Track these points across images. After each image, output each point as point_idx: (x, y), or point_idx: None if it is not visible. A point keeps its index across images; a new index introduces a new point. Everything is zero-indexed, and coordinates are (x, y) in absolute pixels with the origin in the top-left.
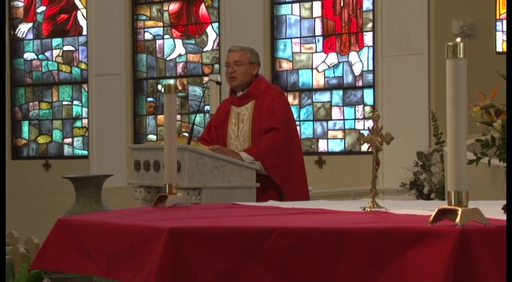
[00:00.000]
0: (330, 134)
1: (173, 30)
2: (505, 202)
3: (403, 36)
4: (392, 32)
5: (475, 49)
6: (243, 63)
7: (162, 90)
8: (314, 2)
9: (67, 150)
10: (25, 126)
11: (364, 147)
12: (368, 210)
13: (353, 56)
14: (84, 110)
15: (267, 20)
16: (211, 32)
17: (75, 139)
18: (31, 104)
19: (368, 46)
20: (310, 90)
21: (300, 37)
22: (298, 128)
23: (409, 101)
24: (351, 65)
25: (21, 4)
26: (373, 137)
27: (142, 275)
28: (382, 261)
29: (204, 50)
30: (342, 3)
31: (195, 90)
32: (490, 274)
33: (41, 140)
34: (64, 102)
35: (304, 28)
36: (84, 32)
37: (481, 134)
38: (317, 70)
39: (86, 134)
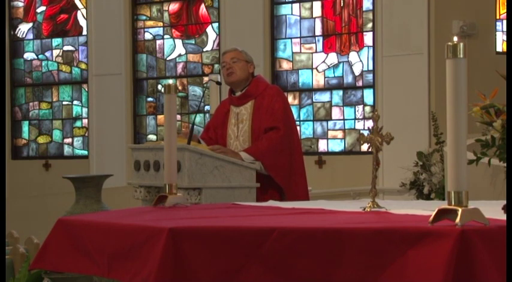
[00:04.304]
0: (330, 134)
1: (173, 30)
2: (505, 202)
3: (403, 36)
4: (392, 32)
5: (475, 49)
6: (239, 59)
7: (162, 90)
8: (314, 2)
9: (67, 150)
10: (25, 126)
11: (364, 147)
12: (368, 210)
13: (353, 56)
14: (84, 110)
15: (267, 20)
16: (211, 32)
17: (75, 139)
18: (31, 104)
19: (368, 46)
20: (310, 90)
21: (300, 37)
22: (298, 128)
23: (409, 101)
24: (351, 65)
25: (21, 4)
26: (373, 137)
27: (142, 275)
28: (382, 261)
29: (204, 50)
30: (342, 3)
31: (195, 90)
32: (490, 274)
33: (41, 140)
34: (64, 102)
35: (304, 28)
36: (84, 32)
37: (481, 134)
38: (317, 70)
39: (86, 134)
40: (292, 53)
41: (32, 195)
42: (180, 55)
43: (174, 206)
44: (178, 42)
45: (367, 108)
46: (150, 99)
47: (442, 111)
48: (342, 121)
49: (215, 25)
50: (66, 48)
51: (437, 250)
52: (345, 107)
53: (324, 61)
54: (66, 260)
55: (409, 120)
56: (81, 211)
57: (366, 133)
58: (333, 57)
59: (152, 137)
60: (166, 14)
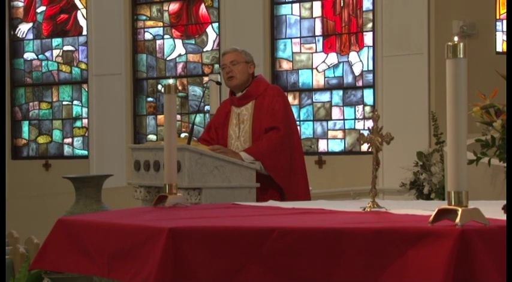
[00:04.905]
0: (330, 134)
1: (173, 30)
2: (505, 202)
3: (403, 36)
4: (392, 32)
5: (475, 49)
6: (239, 62)
7: (162, 90)
8: (314, 2)
9: (67, 150)
10: (25, 126)
11: (364, 147)
12: (368, 210)
13: (353, 56)
14: (84, 110)
15: (267, 20)
16: (211, 32)
17: (75, 139)
18: (31, 104)
19: (368, 46)
20: (310, 90)
21: (300, 37)
22: (298, 127)
23: (409, 101)
24: (351, 65)
25: (21, 4)
26: (373, 137)
27: (142, 275)
28: (382, 261)
29: (204, 50)
30: (342, 3)
31: (195, 90)
32: (490, 274)
33: (41, 140)
34: (64, 102)
35: (304, 28)
36: (84, 32)
37: (481, 134)
38: (317, 70)
39: (86, 134)
40: (292, 53)
41: (32, 195)
42: (180, 55)
43: (174, 206)
44: (178, 42)
45: (367, 108)
46: (150, 99)
47: (442, 111)
48: (342, 121)
49: (215, 25)
50: (66, 48)
51: (437, 250)
52: (345, 107)
53: (324, 61)
54: (66, 260)
55: (409, 120)
56: (81, 211)
57: (366, 133)
58: (333, 57)
59: (152, 137)
60: (166, 14)
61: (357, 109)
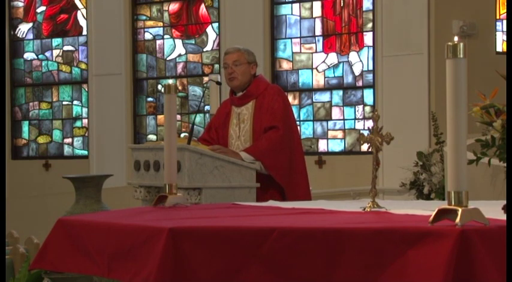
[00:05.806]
0: (330, 134)
1: (173, 30)
2: (505, 202)
3: (403, 36)
4: (392, 32)
5: (475, 49)
6: (241, 63)
7: (162, 90)
8: (314, 2)
9: (67, 150)
10: (25, 126)
11: (364, 147)
12: (368, 210)
13: (353, 56)
14: (84, 110)
15: (267, 20)
16: (211, 32)
17: (75, 139)
18: (31, 104)
19: (368, 46)
20: (310, 90)
21: (300, 37)
22: (298, 127)
23: (409, 101)
24: (351, 65)
25: (21, 4)
26: (373, 137)
27: (142, 275)
28: (382, 261)
29: (204, 50)
30: (342, 3)
31: (195, 90)
32: (490, 274)
33: (41, 140)
34: (64, 102)
35: (304, 28)
36: (84, 32)
37: (481, 134)
38: (317, 70)
39: (86, 134)
40: (292, 53)
41: (32, 195)
42: (180, 55)
43: (174, 206)
44: (178, 42)
45: (367, 108)
46: (150, 99)
47: (442, 111)
48: (342, 121)
49: (215, 25)
50: (66, 48)
51: (437, 250)
52: (345, 107)
53: (324, 61)
54: (66, 260)
55: (409, 120)
56: (81, 211)
57: (366, 133)
58: (333, 57)
59: (152, 137)
60: (166, 14)
61: (357, 109)
